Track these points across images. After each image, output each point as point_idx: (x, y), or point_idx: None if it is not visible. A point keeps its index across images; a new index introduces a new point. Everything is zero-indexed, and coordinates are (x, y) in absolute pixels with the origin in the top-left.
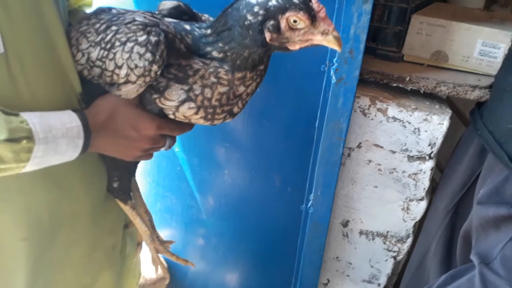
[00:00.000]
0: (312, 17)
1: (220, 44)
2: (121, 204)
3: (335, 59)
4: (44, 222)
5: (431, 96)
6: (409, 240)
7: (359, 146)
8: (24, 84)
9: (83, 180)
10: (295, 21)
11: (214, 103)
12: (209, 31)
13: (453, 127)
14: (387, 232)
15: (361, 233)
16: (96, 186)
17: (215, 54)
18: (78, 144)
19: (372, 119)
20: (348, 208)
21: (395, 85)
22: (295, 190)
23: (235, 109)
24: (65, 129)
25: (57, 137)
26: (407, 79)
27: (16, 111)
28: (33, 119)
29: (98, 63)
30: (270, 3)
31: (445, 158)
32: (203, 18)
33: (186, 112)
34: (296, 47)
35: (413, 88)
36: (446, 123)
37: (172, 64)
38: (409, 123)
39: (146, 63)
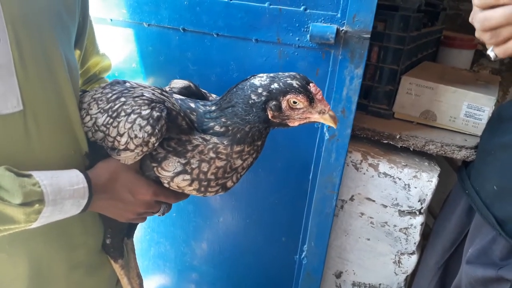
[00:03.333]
0: (310, 99)
1: (223, 119)
2: (112, 261)
3: None
4: (44, 272)
5: (420, 153)
6: None
7: (351, 199)
8: (37, 140)
9: (82, 231)
10: (294, 102)
11: (210, 177)
12: (213, 107)
13: (445, 174)
14: (379, 284)
15: (353, 284)
16: (94, 238)
17: (217, 128)
18: (81, 204)
19: (364, 174)
20: (341, 259)
21: (385, 142)
22: (289, 240)
23: (229, 183)
24: (73, 190)
25: (65, 198)
26: (397, 137)
27: (28, 172)
28: (44, 181)
29: (103, 128)
30: (272, 86)
31: (437, 204)
32: (210, 98)
33: (180, 183)
34: (295, 123)
35: (403, 145)
36: (435, 181)
37: (172, 138)
38: (400, 179)
39: (145, 134)
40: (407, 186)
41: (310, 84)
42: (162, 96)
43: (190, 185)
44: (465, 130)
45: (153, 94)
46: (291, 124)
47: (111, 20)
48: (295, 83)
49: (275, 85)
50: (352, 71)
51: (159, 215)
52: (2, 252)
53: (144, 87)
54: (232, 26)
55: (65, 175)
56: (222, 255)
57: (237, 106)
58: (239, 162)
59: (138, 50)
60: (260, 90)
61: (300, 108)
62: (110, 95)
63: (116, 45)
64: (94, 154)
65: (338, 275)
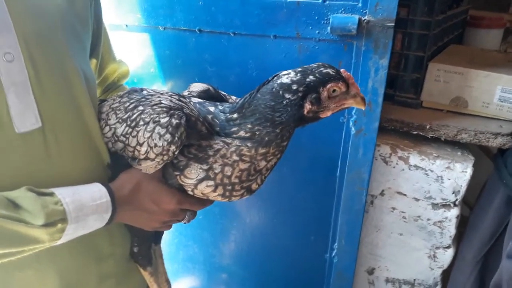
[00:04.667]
0: (347, 84)
1: (249, 126)
2: (141, 269)
3: (353, 111)
4: (73, 285)
5: (452, 143)
6: None
7: (382, 194)
8: (58, 155)
9: (109, 242)
10: (334, 91)
11: (234, 180)
12: (235, 115)
13: (479, 163)
14: (414, 280)
15: (387, 281)
16: (121, 247)
17: (242, 133)
18: (105, 218)
19: (393, 167)
20: (373, 255)
21: (415, 133)
22: (318, 238)
23: (254, 186)
24: (95, 205)
25: (88, 214)
26: (427, 127)
27: (49, 190)
28: (66, 199)
29: (122, 138)
30: (308, 79)
31: (472, 193)
32: (230, 100)
33: (204, 189)
34: (328, 114)
35: (434, 136)
36: (469, 171)
37: (193, 144)
38: (432, 171)
39: (165, 143)
40: (440, 178)
41: (341, 70)
42: (180, 102)
43: (214, 191)
44: (499, 116)
45: (171, 101)
46: (322, 116)
47: (127, 26)
48: (331, 71)
49: (311, 78)
50: (377, 62)
51: (185, 223)
52: (30, 268)
53: (162, 93)
54: (249, 24)
55: (87, 190)
56: (251, 256)
57: (265, 111)
58: (263, 163)
59: (155, 54)
60: (295, 87)
61: (337, 96)
62: (127, 104)
63: (133, 51)
64: (116, 164)
65: (371, 272)
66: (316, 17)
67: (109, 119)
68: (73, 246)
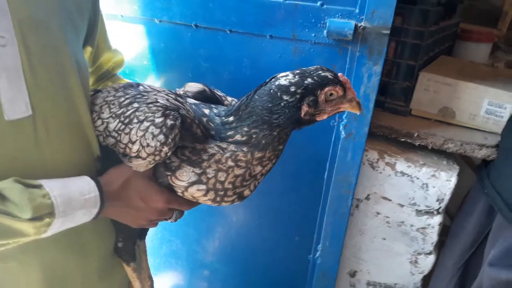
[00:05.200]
0: (344, 88)
1: (245, 129)
2: (124, 265)
3: (344, 115)
4: (58, 279)
5: (438, 151)
6: None
7: (367, 198)
8: (47, 145)
9: (95, 236)
10: (331, 94)
11: (227, 186)
12: (231, 118)
13: (462, 172)
14: (395, 284)
15: (368, 284)
16: (106, 242)
17: (238, 137)
18: (92, 213)
19: (380, 173)
20: (356, 258)
21: (403, 140)
22: (303, 239)
23: (246, 192)
24: (84, 200)
25: (76, 208)
26: (415, 135)
27: (37, 181)
28: (54, 192)
29: (114, 134)
30: (306, 82)
31: (453, 203)
32: (225, 102)
33: (195, 193)
34: (324, 117)
35: (421, 144)
36: (454, 180)
37: (187, 146)
38: (417, 178)
39: (158, 143)
40: (425, 185)
41: (339, 74)
42: (176, 102)
43: (205, 195)
44: (485, 128)
45: (167, 99)
46: (319, 119)
47: (122, 16)
48: (329, 75)
49: (309, 80)
50: (370, 68)
51: (171, 221)
52: (14, 260)
53: (159, 91)
54: (245, 22)
55: (76, 183)
56: (235, 254)
57: (262, 112)
58: (258, 168)
59: (150, 47)
60: (293, 89)
61: (333, 99)
62: (122, 99)
63: (127, 42)
64: (106, 158)
65: (353, 274)
66: (313, 20)
67: (102, 113)
68: (58, 239)
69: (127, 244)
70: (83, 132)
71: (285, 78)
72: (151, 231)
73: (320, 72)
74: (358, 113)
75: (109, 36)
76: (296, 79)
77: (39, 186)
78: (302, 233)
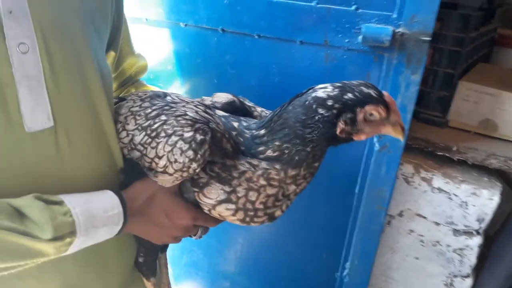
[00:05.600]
0: (388, 110)
1: (277, 143)
2: (144, 279)
3: None
4: None
5: (478, 167)
6: None
7: (400, 215)
8: (69, 157)
9: (115, 251)
10: (371, 114)
11: (258, 206)
12: (262, 131)
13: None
14: None
15: None
16: (127, 257)
17: (269, 153)
18: (115, 230)
19: (415, 188)
20: (385, 277)
21: (440, 153)
22: (330, 256)
23: (278, 212)
24: (107, 217)
25: (98, 226)
26: (454, 149)
27: (58, 197)
28: (76, 208)
29: (140, 147)
30: (346, 97)
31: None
32: (255, 113)
33: (223, 212)
34: (362, 137)
35: (460, 158)
36: (496, 199)
37: (216, 162)
38: (456, 195)
39: (186, 159)
40: (464, 203)
41: (384, 93)
42: (206, 115)
43: (233, 214)
44: None
45: (196, 112)
46: (356, 138)
47: (147, 19)
48: (372, 92)
49: (350, 95)
50: (408, 77)
51: (196, 238)
52: (31, 277)
53: (187, 102)
54: (275, 27)
55: (99, 199)
56: (257, 267)
57: (295, 125)
58: (292, 188)
59: (174, 51)
60: (330, 102)
61: (374, 120)
62: (149, 110)
63: (151, 46)
64: (129, 170)
65: None
66: (347, 25)
67: (128, 124)
68: (79, 256)
69: (148, 258)
70: (107, 144)
71: (323, 90)
72: None
73: (363, 88)
74: (401, 139)
75: (133, 40)
76: (335, 93)
77: (60, 203)
78: (330, 249)
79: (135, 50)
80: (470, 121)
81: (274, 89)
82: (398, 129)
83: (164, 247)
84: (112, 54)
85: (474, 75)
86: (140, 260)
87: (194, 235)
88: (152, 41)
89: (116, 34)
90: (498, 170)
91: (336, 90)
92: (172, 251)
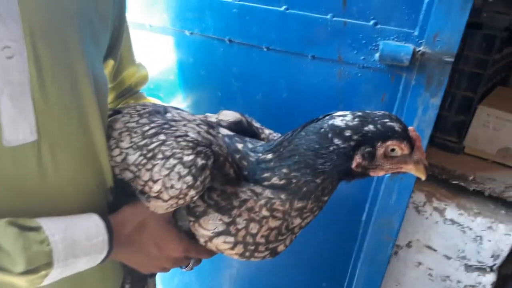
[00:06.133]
0: (412, 146)
1: (285, 170)
2: None
3: None
4: None
5: (495, 199)
6: None
7: (408, 245)
8: (53, 174)
9: (98, 277)
10: (393, 150)
11: (259, 240)
12: (270, 155)
13: None
14: None
15: None
16: (112, 283)
17: (275, 180)
18: (98, 259)
19: (426, 218)
20: None
21: (455, 182)
22: (331, 286)
23: (280, 247)
24: (90, 245)
25: (79, 256)
26: (470, 178)
27: (36, 222)
28: (55, 236)
29: (133, 168)
30: (366, 128)
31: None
32: (262, 135)
33: (221, 245)
34: (380, 174)
35: (477, 188)
36: None
37: (215, 188)
38: (470, 229)
39: (184, 186)
40: (478, 238)
41: (410, 128)
42: (208, 136)
43: (232, 248)
44: None
45: (198, 132)
46: (373, 175)
47: (150, 26)
48: (397, 126)
49: (371, 127)
50: (427, 100)
51: (187, 270)
52: None
53: (189, 120)
54: (286, 39)
55: (82, 224)
56: None
57: (307, 153)
58: (297, 221)
59: (178, 60)
60: (348, 133)
61: (396, 157)
62: (147, 127)
63: (153, 54)
64: (119, 190)
65: None
66: (364, 41)
67: (122, 141)
68: (57, 284)
69: (135, 286)
70: (96, 161)
71: (342, 118)
72: None
73: (386, 120)
74: (423, 179)
75: (134, 48)
76: (354, 123)
77: (37, 229)
78: (331, 279)
79: (136, 59)
80: (488, 148)
81: (281, 105)
82: (421, 168)
83: (153, 273)
84: (111, 62)
85: (494, 100)
86: (127, 287)
87: (186, 267)
88: (155, 48)
89: (116, 41)
90: None
91: (356, 120)
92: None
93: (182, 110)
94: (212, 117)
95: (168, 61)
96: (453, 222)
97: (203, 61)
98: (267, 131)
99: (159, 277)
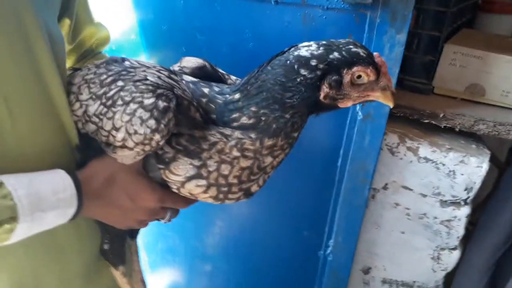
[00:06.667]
0: (378, 72)
1: (253, 108)
2: (111, 268)
3: None
4: (27, 286)
5: (466, 134)
6: None
7: (385, 188)
8: (11, 133)
9: (74, 238)
10: (359, 77)
11: (232, 181)
12: (237, 95)
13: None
14: (414, 282)
15: (384, 282)
16: (89, 243)
17: (244, 120)
18: (68, 214)
19: (401, 159)
20: (370, 253)
21: (426, 121)
22: (312, 234)
23: (254, 187)
24: (57, 199)
25: (46, 210)
26: (441, 115)
27: None
28: (18, 191)
29: (95, 119)
30: (331, 56)
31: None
32: (229, 81)
33: (193, 189)
34: (348, 104)
35: (447, 125)
36: (485, 166)
37: (183, 134)
38: (443, 164)
39: (148, 130)
40: (452, 172)
41: (375, 54)
42: (170, 80)
43: (205, 191)
44: None
45: (159, 77)
46: (342, 106)
47: None
48: (361, 52)
49: (336, 55)
50: (393, 37)
51: (165, 222)
52: None
53: (148, 67)
54: None
55: (47, 179)
56: (238, 249)
57: (274, 88)
58: (269, 160)
59: (138, 18)
60: (314, 62)
61: (362, 84)
62: (104, 76)
63: (112, 14)
64: (86, 147)
65: (366, 271)
66: None
67: (81, 94)
68: (29, 243)
69: (115, 245)
70: (57, 117)
71: (307, 49)
72: None
73: (351, 47)
74: (391, 106)
75: (91, 7)
76: (319, 51)
77: None
78: (312, 227)
79: (94, 18)
80: (456, 86)
81: (249, 56)
82: (388, 95)
83: (133, 233)
84: (67, 22)
85: (460, 39)
86: (106, 247)
87: (163, 219)
88: (113, 8)
89: None
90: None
91: (321, 48)
92: (145, 237)
93: (142, 60)
94: (175, 67)
95: (127, 20)
96: (426, 159)
97: (164, 17)
98: (233, 77)
99: (142, 242)
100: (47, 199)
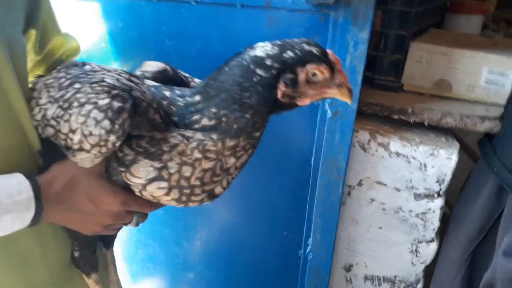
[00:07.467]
0: (332, 69)
1: (213, 110)
2: (84, 276)
3: None
4: None
5: (435, 128)
6: (420, 286)
7: (359, 184)
8: None
9: (38, 245)
10: (314, 74)
11: (194, 183)
12: (197, 97)
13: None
14: (395, 276)
15: (366, 278)
16: (57, 250)
17: (205, 122)
18: (26, 218)
19: (373, 155)
20: (350, 251)
21: (396, 117)
22: (291, 234)
23: (218, 189)
24: (11, 202)
25: (0, 213)
26: (410, 111)
27: None
28: None
29: (53, 122)
30: (285, 55)
31: (451, 193)
32: (192, 83)
33: (155, 192)
34: (306, 102)
35: (416, 120)
36: (454, 158)
37: (143, 136)
38: (414, 158)
39: (103, 131)
40: (423, 165)
41: (328, 51)
42: (129, 83)
43: (167, 194)
44: (486, 100)
45: (117, 80)
46: (300, 103)
47: None
48: (314, 50)
49: (289, 54)
50: (356, 35)
51: (132, 227)
52: None
53: (108, 70)
54: None
55: (2, 181)
56: (218, 254)
57: (232, 89)
58: (231, 160)
59: (107, 27)
60: (268, 62)
61: (318, 82)
62: (63, 80)
63: (81, 23)
64: (49, 152)
65: (348, 269)
66: None
67: (40, 98)
68: None
69: (85, 252)
70: (17, 123)
71: (262, 49)
72: (124, 235)
73: (304, 45)
74: (349, 102)
75: (58, 18)
76: (274, 51)
77: None
78: (290, 227)
79: (61, 29)
80: (424, 83)
81: (218, 60)
82: (345, 91)
83: (108, 242)
84: (33, 32)
85: (426, 38)
86: (76, 254)
87: (130, 223)
88: (82, 17)
89: (34, 8)
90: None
91: (276, 48)
92: (125, 246)
93: (104, 65)
94: (137, 72)
95: (97, 29)
96: (398, 154)
97: (133, 24)
98: (197, 80)
99: (122, 252)
100: (1, 202)
